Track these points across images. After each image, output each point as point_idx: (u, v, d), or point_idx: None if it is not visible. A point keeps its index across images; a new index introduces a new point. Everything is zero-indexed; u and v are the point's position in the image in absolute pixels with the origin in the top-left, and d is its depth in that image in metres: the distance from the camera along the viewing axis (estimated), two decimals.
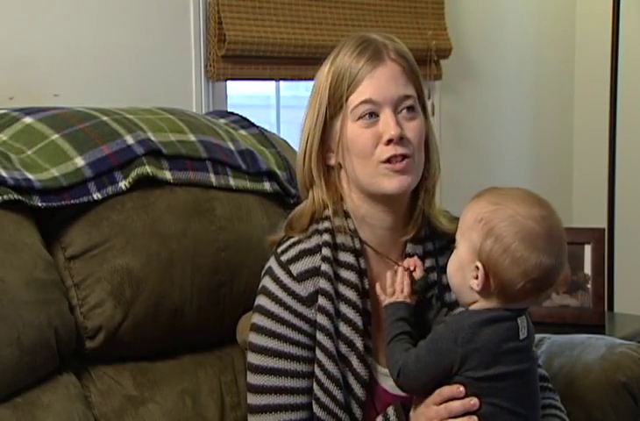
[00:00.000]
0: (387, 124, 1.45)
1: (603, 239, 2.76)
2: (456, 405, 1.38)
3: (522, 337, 1.39)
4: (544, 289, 1.40)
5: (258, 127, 2.05)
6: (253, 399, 1.52)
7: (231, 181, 1.82)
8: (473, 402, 1.37)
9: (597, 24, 3.56)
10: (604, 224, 3.10)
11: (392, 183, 1.46)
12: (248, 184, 1.85)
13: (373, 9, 2.85)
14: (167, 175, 1.71)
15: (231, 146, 1.86)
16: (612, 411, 1.78)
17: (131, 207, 1.66)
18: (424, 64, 2.95)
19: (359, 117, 1.47)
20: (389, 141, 1.44)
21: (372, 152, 1.46)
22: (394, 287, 1.49)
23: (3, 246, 1.48)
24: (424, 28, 3.00)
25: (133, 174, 1.67)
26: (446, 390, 1.39)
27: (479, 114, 3.38)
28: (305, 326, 1.48)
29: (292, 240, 1.53)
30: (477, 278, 1.37)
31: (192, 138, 1.79)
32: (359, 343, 1.48)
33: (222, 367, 1.76)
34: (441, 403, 1.39)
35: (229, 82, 2.57)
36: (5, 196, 1.51)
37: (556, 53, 3.70)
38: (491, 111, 3.43)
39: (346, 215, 1.53)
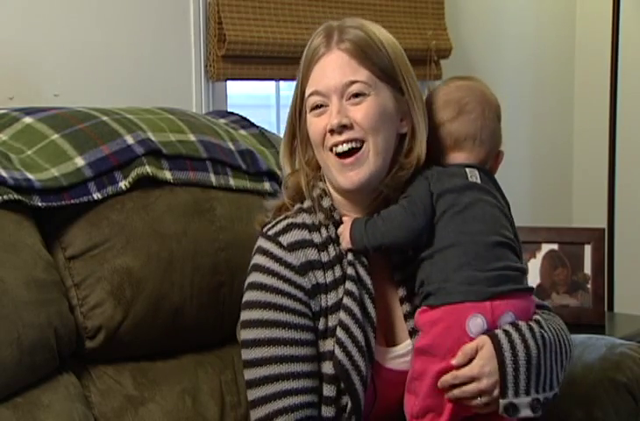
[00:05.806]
0: (330, 113, 1.47)
1: (603, 239, 2.75)
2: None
3: (470, 179, 1.53)
4: (467, 138, 1.62)
5: (258, 127, 2.05)
6: (251, 373, 1.43)
7: (231, 181, 1.82)
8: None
9: (597, 24, 3.56)
10: (604, 224, 3.10)
11: (344, 179, 1.47)
12: (248, 184, 1.85)
13: (373, 9, 2.85)
14: (167, 175, 1.72)
15: (231, 146, 1.86)
16: (612, 411, 1.77)
17: (131, 207, 1.66)
18: (424, 64, 2.95)
19: (312, 109, 1.50)
20: (331, 131, 1.46)
21: (322, 141, 1.48)
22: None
23: (3, 246, 1.48)
24: (424, 28, 3.00)
25: (133, 174, 1.67)
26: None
27: None
28: (300, 294, 1.46)
29: (278, 218, 1.54)
30: None
31: (192, 138, 1.79)
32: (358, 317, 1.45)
33: (222, 367, 1.76)
34: None
35: (229, 82, 2.57)
36: (5, 196, 1.51)
37: (556, 53, 3.70)
38: None
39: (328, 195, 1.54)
